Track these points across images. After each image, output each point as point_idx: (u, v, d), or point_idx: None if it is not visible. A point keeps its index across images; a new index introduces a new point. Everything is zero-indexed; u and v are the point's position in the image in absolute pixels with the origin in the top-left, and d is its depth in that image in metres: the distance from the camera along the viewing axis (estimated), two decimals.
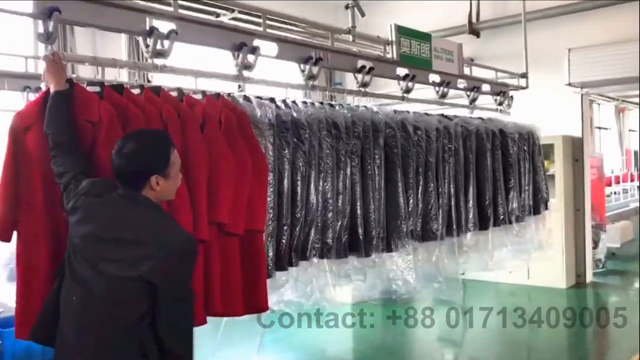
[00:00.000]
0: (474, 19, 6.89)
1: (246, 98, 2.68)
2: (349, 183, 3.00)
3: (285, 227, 2.66)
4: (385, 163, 3.26)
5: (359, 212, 3.05)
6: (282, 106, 2.78)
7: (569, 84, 6.28)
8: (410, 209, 3.39)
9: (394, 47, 3.64)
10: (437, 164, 3.67)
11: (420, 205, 3.50)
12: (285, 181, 2.67)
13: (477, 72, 4.79)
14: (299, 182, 2.72)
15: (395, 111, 3.55)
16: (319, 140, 2.83)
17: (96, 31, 4.51)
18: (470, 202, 3.94)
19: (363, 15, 5.18)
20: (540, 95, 5.79)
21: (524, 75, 5.07)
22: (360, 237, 3.04)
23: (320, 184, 2.83)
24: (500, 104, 4.60)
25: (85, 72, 2.95)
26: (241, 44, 2.72)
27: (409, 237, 3.38)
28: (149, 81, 3.42)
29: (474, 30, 6.87)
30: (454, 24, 6.78)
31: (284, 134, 2.67)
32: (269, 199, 2.58)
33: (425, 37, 3.89)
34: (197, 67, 2.71)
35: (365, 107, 3.37)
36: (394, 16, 6.89)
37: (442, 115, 3.91)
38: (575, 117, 6.48)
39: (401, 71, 3.73)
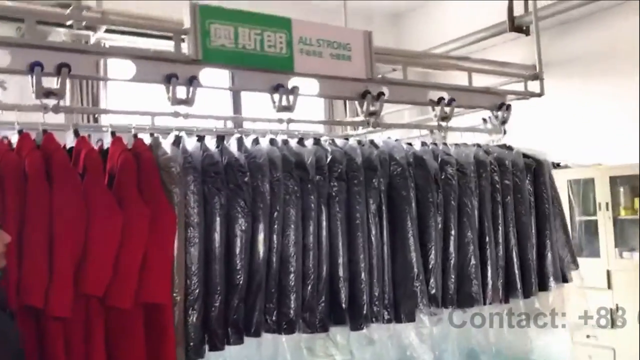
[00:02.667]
0: (517, 10, 5.02)
1: (176, 139, 2.23)
2: (324, 236, 2.38)
3: (216, 296, 2.12)
4: (388, 209, 2.59)
5: (341, 272, 2.40)
6: (214, 146, 2.28)
7: None
8: (430, 265, 2.65)
9: (193, 37, 2.29)
10: (482, 206, 2.89)
11: (452, 261, 2.74)
12: (216, 237, 2.14)
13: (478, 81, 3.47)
14: (237, 239, 2.17)
15: (409, 144, 2.87)
16: (271, 185, 2.27)
17: None
18: (549, 251, 3.07)
19: None
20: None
21: (537, 77, 3.50)
22: (343, 304, 2.39)
23: (275, 239, 2.26)
24: (504, 122, 3.21)
25: None
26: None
27: (433, 302, 2.64)
28: None
29: (517, 27, 5.00)
30: (494, 22, 5.09)
31: (212, 179, 2.16)
32: (192, 260, 2.08)
33: (274, 22, 2.48)
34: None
35: (371, 142, 2.74)
36: (427, 22, 6.13)
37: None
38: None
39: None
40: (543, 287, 3.03)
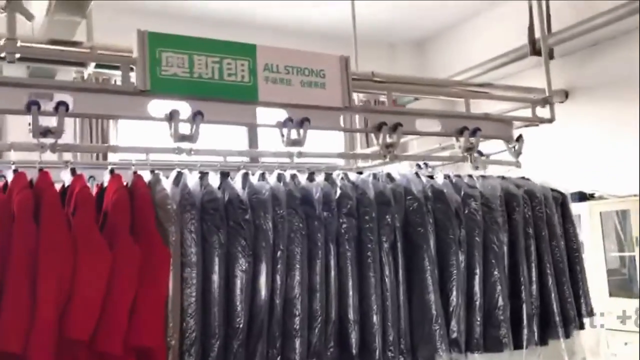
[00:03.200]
0: (538, 32, 4.34)
1: (177, 176, 2.17)
2: (332, 276, 2.26)
3: (214, 340, 2.01)
4: (404, 247, 2.44)
5: (351, 315, 2.26)
6: (218, 182, 2.21)
7: None
8: (451, 307, 2.48)
9: (141, 66, 2.15)
10: (516, 242, 2.71)
11: (478, 302, 2.56)
12: (215, 278, 2.04)
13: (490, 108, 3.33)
14: (237, 279, 2.07)
15: (430, 176, 2.73)
16: (274, 222, 2.17)
17: None
18: (581, 288, 2.87)
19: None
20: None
21: (547, 102, 3.23)
22: (353, 349, 2.24)
23: (279, 279, 2.14)
24: (518, 154, 3.00)
25: None
26: None
27: (454, 347, 2.46)
28: None
29: (538, 50, 4.55)
30: (515, 46, 4.88)
31: (211, 217, 2.07)
32: (189, 302, 1.99)
33: (236, 49, 2.32)
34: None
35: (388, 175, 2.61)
36: (451, 49, 5.92)
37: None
38: None
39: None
40: (580, 326, 2.81)
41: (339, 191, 2.36)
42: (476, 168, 2.94)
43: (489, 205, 2.69)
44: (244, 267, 2.07)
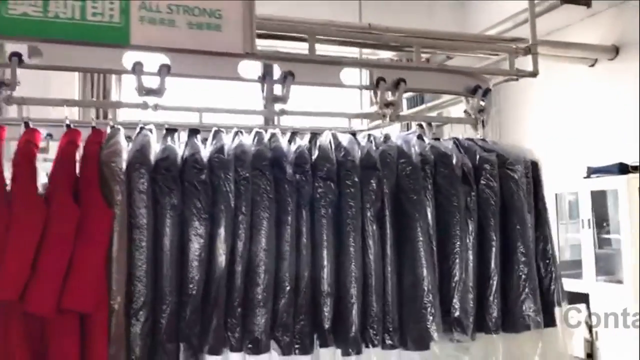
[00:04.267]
0: None
1: (139, 133, 2.06)
2: (305, 245, 2.07)
3: (164, 306, 1.89)
4: (395, 216, 2.20)
5: (324, 286, 2.06)
6: (175, 140, 2.07)
7: None
8: (453, 282, 2.21)
9: None
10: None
11: (495, 277, 2.28)
12: (166, 241, 1.92)
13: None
14: (191, 244, 1.93)
15: (437, 139, 2.46)
16: (237, 184, 2.01)
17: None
18: None
19: None
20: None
21: (529, 51, 2.67)
22: (325, 324, 2.04)
23: (241, 246, 1.98)
24: (481, 110, 2.55)
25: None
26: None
27: (457, 326, 2.20)
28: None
29: None
30: None
31: (163, 177, 1.94)
32: (138, 266, 1.88)
33: None
34: None
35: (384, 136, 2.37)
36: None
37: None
38: None
39: None
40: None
41: (316, 153, 2.16)
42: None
43: (513, 168, 2.39)
44: (199, 231, 1.94)
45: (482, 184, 2.35)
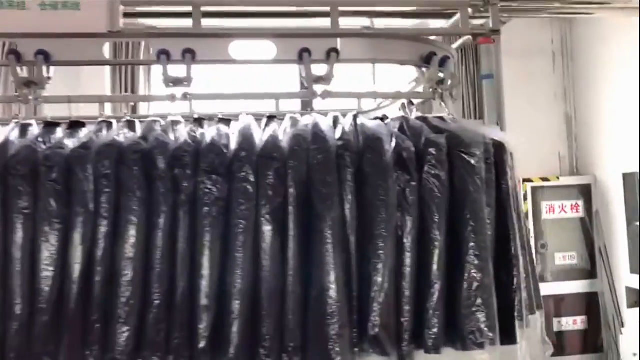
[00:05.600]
0: None
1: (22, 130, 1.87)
2: (181, 252, 1.77)
3: (13, 322, 1.70)
4: (301, 214, 1.83)
5: (202, 299, 1.75)
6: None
7: None
8: (373, 294, 1.80)
9: None
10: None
11: (437, 286, 1.84)
12: (16, 252, 1.72)
13: None
14: (41, 253, 1.71)
15: (383, 118, 2.05)
16: (97, 183, 1.75)
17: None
18: None
19: None
20: None
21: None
22: (201, 343, 1.73)
23: (99, 253, 1.73)
24: (440, 82, 2.05)
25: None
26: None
27: (375, 346, 1.80)
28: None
29: None
30: None
31: (13, 177, 1.73)
32: None
33: None
34: None
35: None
36: None
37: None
38: None
39: None
40: None
41: (205, 142, 1.85)
42: None
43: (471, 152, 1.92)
44: (50, 238, 1.72)
45: (425, 173, 1.90)
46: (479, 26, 2.34)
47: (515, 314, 1.93)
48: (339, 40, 2.08)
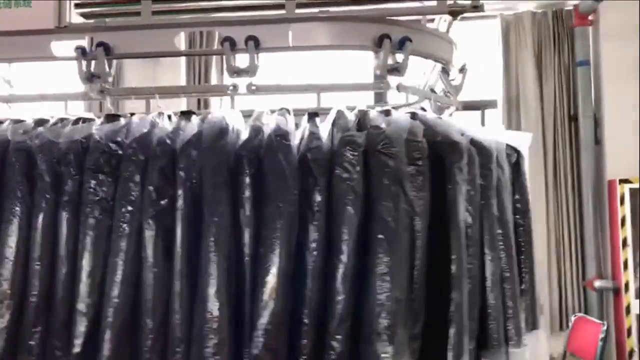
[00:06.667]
0: None
1: None
2: (62, 255, 1.69)
3: None
4: (192, 222, 1.67)
5: (82, 307, 1.65)
6: None
7: None
8: (258, 317, 1.59)
9: None
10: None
11: (340, 309, 1.61)
12: None
13: None
14: None
15: (315, 114, 1.81)
16: None
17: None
18: None
19: None
20: None
21: None
22: (75, 348, 1.64)
23: None
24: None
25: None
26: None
27: None
28: None
29: None
30: None
31: None
32: None
33: None
34: None
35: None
36: None
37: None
38: None
39: None
40: None
41: (93, 139, 1.74)
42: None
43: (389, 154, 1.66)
44: None
45: (336, 176, 1.66)
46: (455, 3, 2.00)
47: (450, 346, 1.64)
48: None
